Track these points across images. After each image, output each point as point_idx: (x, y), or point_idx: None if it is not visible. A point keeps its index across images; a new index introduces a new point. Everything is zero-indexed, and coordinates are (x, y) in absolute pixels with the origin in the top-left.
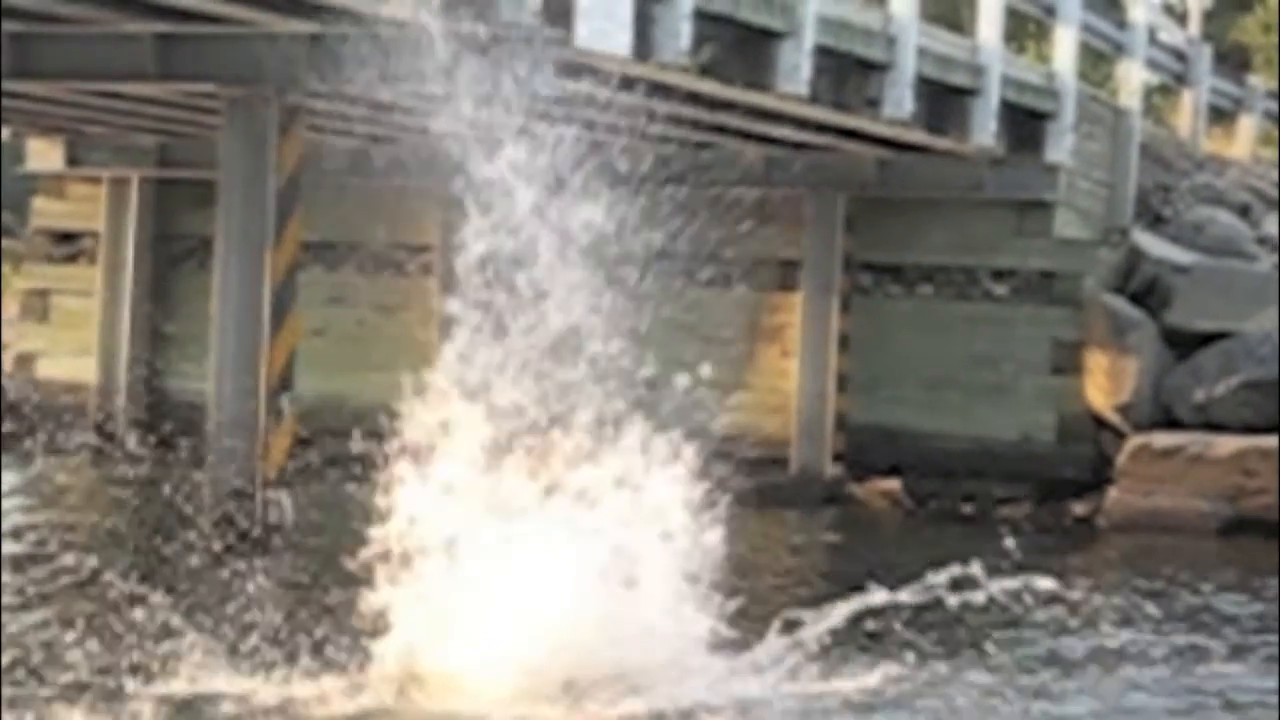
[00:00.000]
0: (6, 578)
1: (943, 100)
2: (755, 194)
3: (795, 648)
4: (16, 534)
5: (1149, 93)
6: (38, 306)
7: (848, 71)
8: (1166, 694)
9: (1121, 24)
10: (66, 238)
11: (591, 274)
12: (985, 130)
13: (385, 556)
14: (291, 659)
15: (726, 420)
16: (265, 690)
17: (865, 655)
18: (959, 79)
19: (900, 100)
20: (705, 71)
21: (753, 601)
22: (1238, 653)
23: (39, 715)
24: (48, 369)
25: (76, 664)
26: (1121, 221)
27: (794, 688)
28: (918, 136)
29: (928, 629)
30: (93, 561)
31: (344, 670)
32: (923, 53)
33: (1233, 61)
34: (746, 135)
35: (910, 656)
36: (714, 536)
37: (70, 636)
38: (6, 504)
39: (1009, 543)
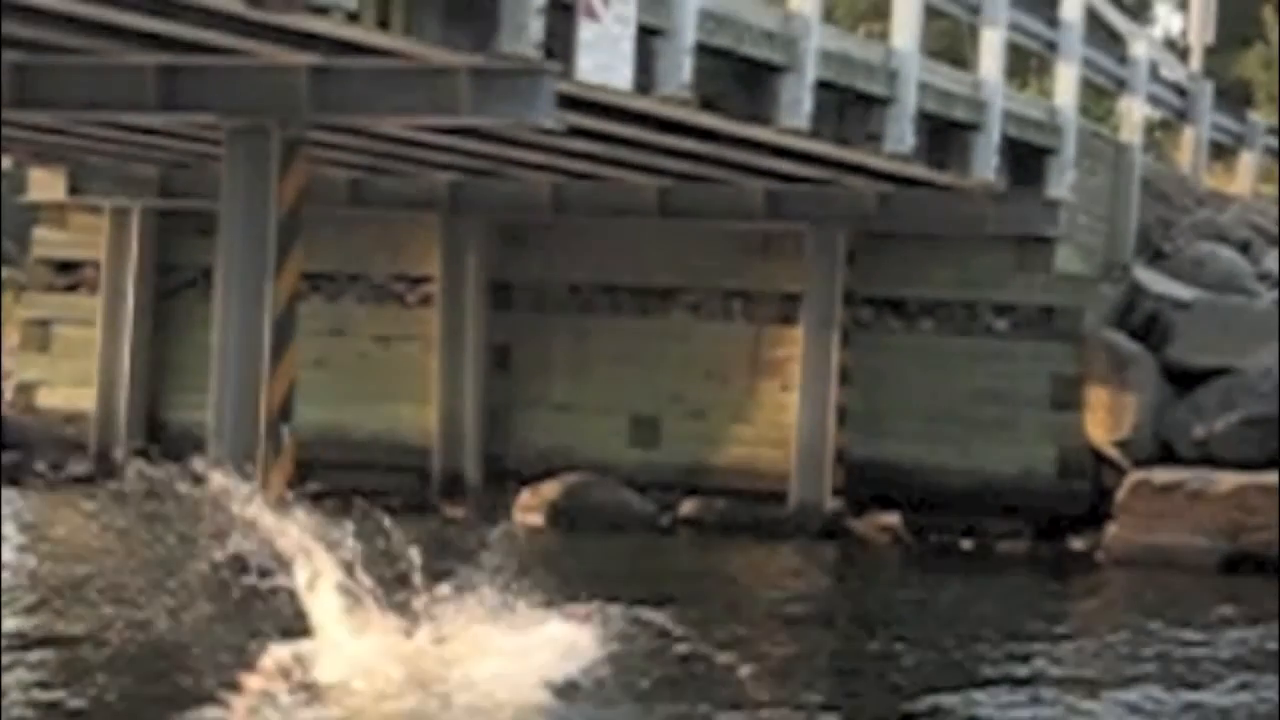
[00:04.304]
0: None
1: (944, 135)
2: (756, 228)
3: None
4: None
5: (1150, 128)
6: (38, 336)
7: (849, 106)
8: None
9: (1123, 59)
10: (67, 267)
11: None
12: (986, 165)
13: None
14: None
15: (727, 453)
16: None
17: None
18: (960, 114)
19: (902, 135)
20: (707, 105)
21: None
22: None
23: None
24: (48, 398)
25: None
26: (1122, 257)
27: None
28: (919, 171)
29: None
30: None
31: None
32: (924, 87)
33: (1234, 97)
34: (748, 169)
35: None
36: None
37: None
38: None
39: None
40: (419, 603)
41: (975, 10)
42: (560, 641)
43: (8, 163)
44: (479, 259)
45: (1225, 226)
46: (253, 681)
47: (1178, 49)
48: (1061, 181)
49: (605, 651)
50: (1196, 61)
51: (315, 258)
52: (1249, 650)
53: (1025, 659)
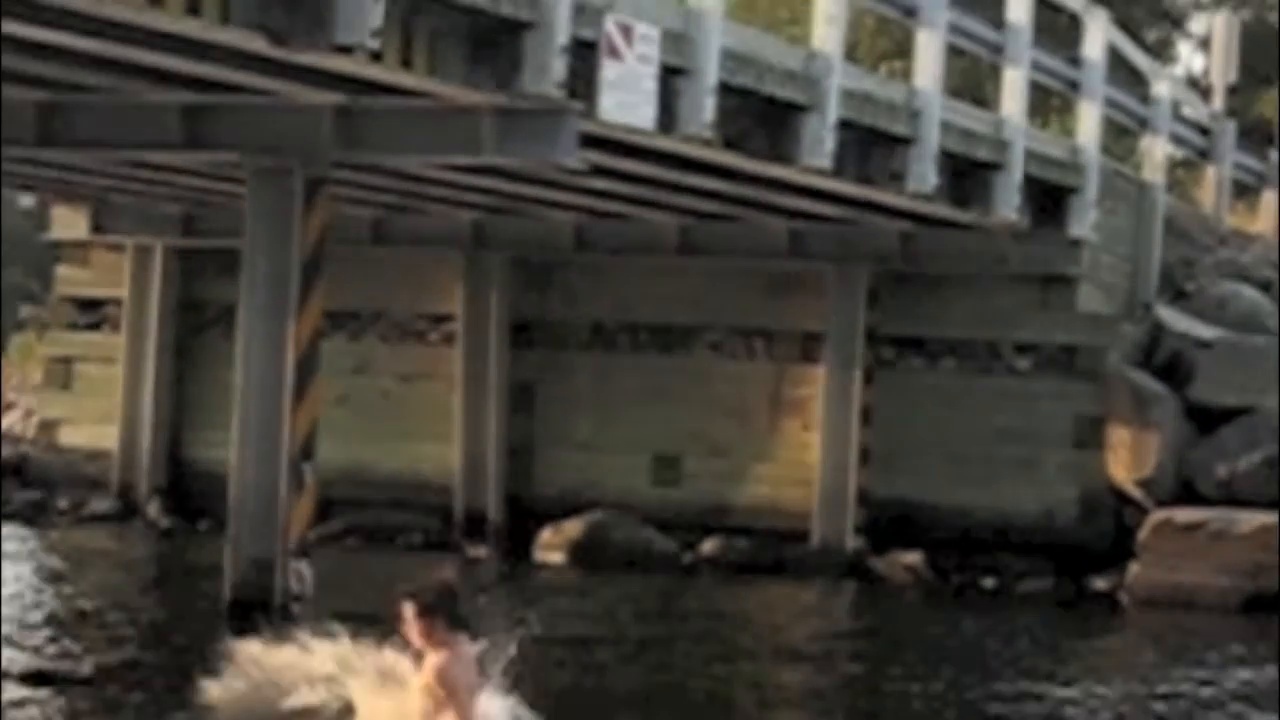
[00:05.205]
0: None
1: (966, 174)
2: (778, 266)
3: None
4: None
5: (1173, 167)
6: (61, 374)
7: (871, 145)
8: None
9: (1145, 99)
10: (90, 305)
11: None
12: (1009, 204)
13: None
14: None
15: (748, 492)
16: None
17: None
18: (983, 153)
19: (924, 174)
20: (729, 145)
21: None
22: None
23: None
24: (70, 436)
25: None
26: (1145, 296)
27: None
28: (941, 210)
29: None
30: None
31: None
32: (946, 127)
33: (1256, 136)
34: (770, 208)
35: None
36: None
37: None
38: (19, 570)
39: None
40: None
41: (997, 50)
42: None
43: (29, 200)
44: (501, 297)
45: (1247, 266)
46: None
47: (1200, 88)
48: (1084, 220)
49: None
50: (1219, 101)
51: (338, 296)
52: (1257, 691)
53: (1037, 698)
